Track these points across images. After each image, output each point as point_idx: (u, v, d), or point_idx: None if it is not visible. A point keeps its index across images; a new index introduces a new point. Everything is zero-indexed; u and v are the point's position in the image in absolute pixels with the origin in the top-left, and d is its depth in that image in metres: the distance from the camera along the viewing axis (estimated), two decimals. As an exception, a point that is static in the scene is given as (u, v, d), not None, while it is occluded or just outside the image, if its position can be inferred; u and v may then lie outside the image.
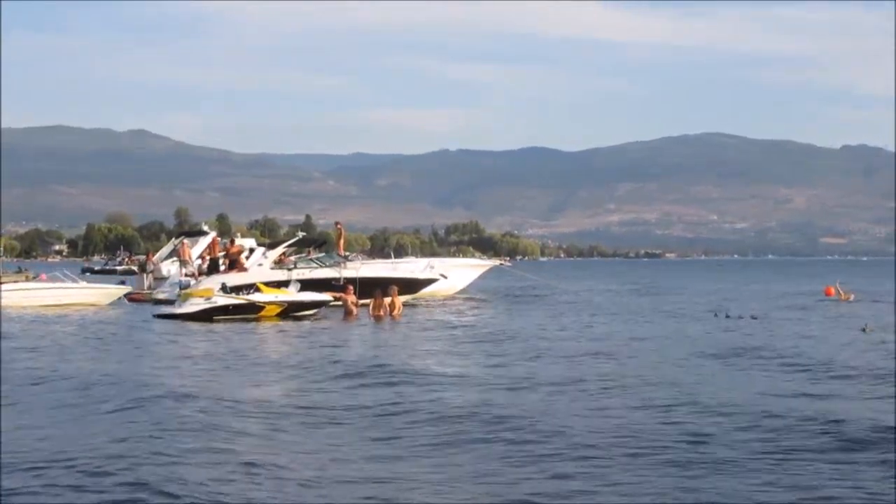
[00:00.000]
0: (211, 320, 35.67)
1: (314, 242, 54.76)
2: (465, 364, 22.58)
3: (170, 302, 41.59)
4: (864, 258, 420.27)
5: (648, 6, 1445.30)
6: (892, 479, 11.30)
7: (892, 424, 14.14)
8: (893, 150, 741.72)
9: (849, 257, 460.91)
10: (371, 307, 37.85)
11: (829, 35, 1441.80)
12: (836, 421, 14.35)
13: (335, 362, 22.32)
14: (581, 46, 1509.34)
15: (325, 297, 39.31)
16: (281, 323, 35.42)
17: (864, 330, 31.52)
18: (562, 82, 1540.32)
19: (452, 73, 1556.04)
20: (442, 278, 49.81)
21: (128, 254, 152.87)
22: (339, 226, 54.33)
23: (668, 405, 16.00)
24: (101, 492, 10.67)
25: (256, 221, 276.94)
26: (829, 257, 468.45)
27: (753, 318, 38.07)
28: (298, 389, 18.41)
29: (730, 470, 11.81)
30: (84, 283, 47.53)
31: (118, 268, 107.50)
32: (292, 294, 38.50)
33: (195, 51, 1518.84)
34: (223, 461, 12.04)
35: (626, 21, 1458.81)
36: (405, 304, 40.77)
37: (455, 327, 33.96)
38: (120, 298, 46.61)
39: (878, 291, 62.08)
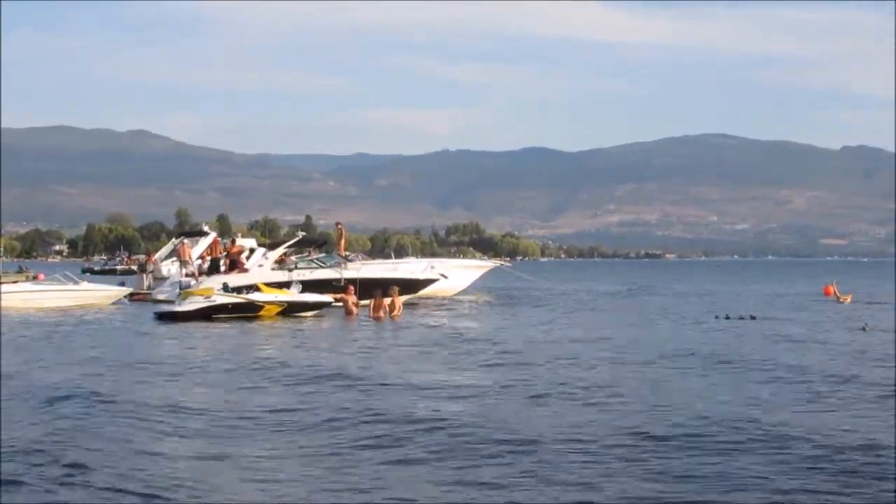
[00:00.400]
0: (210, 319, 35.94)
1: (315, 243, 54.84)
2: (447, 370, 21.97)
3: (170, 302, 41.67)
4: (865, 259, 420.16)
5: (648, 7, 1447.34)
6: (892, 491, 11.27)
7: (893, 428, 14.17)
8: (893, 150, 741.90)
9: (849, 258, 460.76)
10: (371, 308, 37.85)
11: (828, 36, 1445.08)
12: (828, 431, 14.34)
13: (279, 365, 22.28)
14: (581, 47, 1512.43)
15: (326, 298, 39.32)
16: (278, 322, 35.49)
17: (864, 329, 31.62)
18: (562, 83, 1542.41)
19: (452, 74, 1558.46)
20: (442, 278, 49.93)
21: (127, 254, 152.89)
22: (339, 226, 54.32)
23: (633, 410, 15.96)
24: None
25: (256, 222, 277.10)
26: (829, 258, 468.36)
27: (752, 318, 38.27)
28: (239, 391, 18.40)
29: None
30: (86, 284, 47.52)
31: (118, 268, 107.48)
32: (293, 295, 38.56)
33: (195, 51, 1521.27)
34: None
35: (627, 22, 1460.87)
36: (405, 304, 40.78)
37: (444, 328, 33.78)
38: (122, 299, 46.68)
39: (876, 292, 62.16)
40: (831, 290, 54.63)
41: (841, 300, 51.06)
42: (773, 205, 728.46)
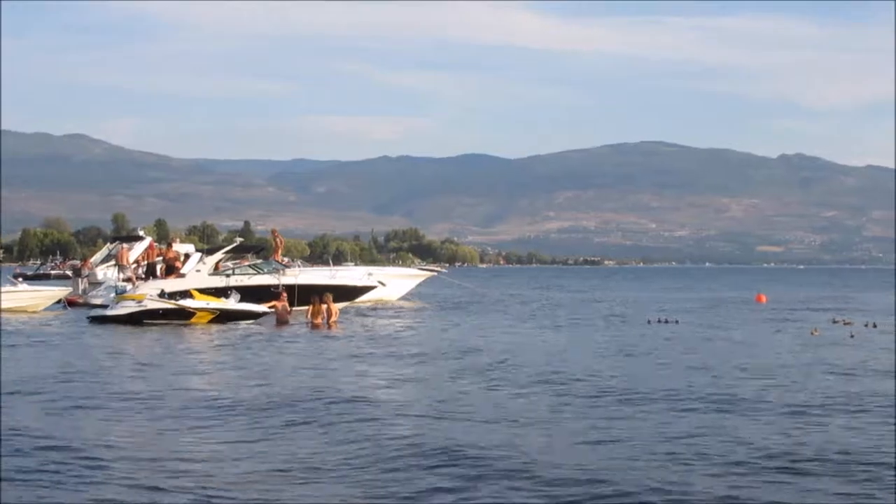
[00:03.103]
0: (141, 323, 35.71)
1: (252, 248, 54.58)
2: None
3: (105, 306, 41.30)
4: (801, 266, 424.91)
5: (591, 16, 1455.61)
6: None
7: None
8: (830, 159, 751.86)
9: (785, 265, 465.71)
10: (309, 314, 37.45)
11: (767, 46, 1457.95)
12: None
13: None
14: (521, 55, 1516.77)
15: (262, 308, 38.50)
16: (206, 328, 35.01)
17: (812, 333, 32.22)
18: (502, 90, 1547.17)
19: (394, 80, 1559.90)
20: (380, 285, 50.03)
21: (61, 259, 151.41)
22: (274, 233, 54.40)
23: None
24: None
25: (195, 227, 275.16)
26: (765, 265, 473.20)
27: (676, 322, 39.11)
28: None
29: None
30: (23, 287, 47.11)
31: (51, 272, 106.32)
32: (226, 303, 38.03)
33: (133, 55, 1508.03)
34: None
35: (567, 30, 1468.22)
36: (342, 311, 40.53)
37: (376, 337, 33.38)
38: (59, 301, 46.44)
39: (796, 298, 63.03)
40: (763, 298, 55.42)
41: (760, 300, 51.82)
42: (712, 212, 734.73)
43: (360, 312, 43.59)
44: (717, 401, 17.34)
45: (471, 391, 18.71)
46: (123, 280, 48.36)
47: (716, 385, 19.43)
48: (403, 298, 53.78)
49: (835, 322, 38.75)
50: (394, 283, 52.88)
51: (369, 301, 49.53)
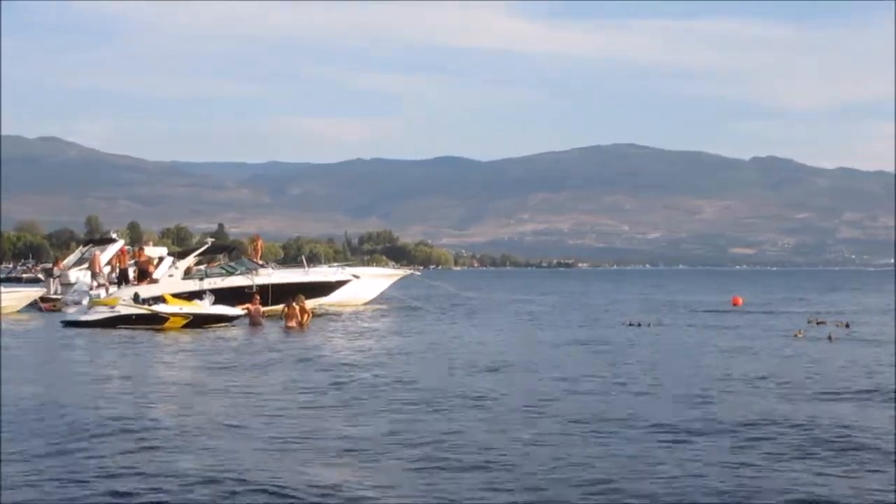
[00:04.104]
0: (115, 328, 35.65)
1: (224, 249, 54.39)
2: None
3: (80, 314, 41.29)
4: (773, 268, 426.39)
5: (563, 18, 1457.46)
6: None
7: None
8: (801, 161, 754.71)
9: (757, 267, 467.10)
10: (284, 317, 37.37)
11: (739, 49, 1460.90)
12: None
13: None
14: (495, 57, 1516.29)
15: (237, 311, 38.33)
16: (176, 336, 34.79)
17: (796, 336, 32.48)
18: (476, 92, 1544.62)
19: (367, 83, 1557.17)
20: (354, 278, 50.11)
21: (33, 262, 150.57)
22: (256, 238, 55.23)
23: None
24: None
25: (168, 230, 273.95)
26: (738, 267, 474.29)
27: (650, 325, 39.52)
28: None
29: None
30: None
31: (23, 276, 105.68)
32: (200, 307, 37.87)
33: (107, 57, 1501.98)
34: None
35: (542, 33, 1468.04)
36: (320, 307, 40.65)
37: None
38: (35, 301, 47.01)
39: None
40: (739, 301, 55.90)
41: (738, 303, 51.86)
42: (684, 214, 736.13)
43: (320, 315, 43.06)
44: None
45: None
46: (97, 287, 48.32)
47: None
48: (376, 300, 53.55)
49: (809, 322, 39.27)
50: (367, 282, 52.70)
51: (340, 303, 49.34)
